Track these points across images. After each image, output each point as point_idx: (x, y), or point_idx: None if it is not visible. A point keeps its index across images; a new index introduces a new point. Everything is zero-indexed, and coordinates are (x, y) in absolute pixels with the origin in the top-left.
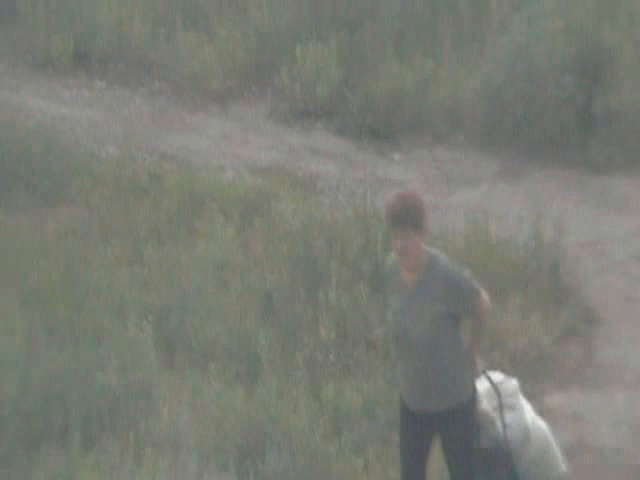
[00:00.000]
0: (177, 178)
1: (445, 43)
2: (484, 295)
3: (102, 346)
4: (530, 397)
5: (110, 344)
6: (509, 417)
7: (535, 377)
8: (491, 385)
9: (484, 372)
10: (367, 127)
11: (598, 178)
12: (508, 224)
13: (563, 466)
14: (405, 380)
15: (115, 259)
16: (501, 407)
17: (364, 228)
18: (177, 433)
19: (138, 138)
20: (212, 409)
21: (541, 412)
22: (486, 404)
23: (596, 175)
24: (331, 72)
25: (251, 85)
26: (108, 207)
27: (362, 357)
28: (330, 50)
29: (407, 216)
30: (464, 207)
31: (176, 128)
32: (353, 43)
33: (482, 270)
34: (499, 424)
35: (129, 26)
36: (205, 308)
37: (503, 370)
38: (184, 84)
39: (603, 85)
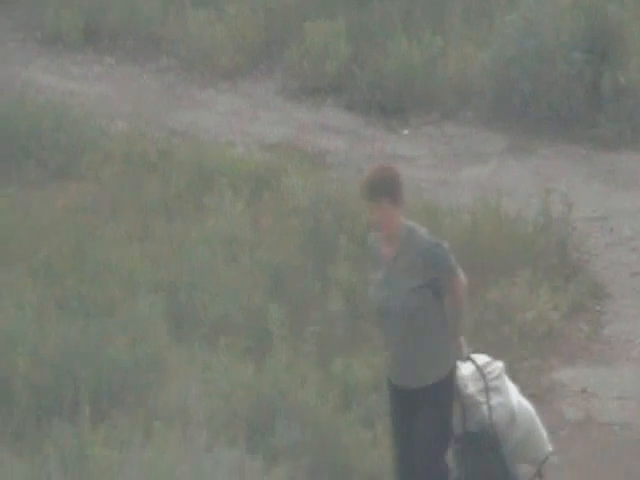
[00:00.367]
0: (186, 154)
1: (454, 20)
2: (461, 274)
3: (112, 321)
4: (538, 372)
5: (120, 319)
6: (495, 400)
7: (543, 352)
8: (476, 368)
9: (469, 356)
10: (376, 103)
11: (606, 154)
12: (517, 200)
13: (549, 446)
14: (387, 354)
15: (125, 234)
16: (487, 390)
17: None
18: (187, 408)
19: (147, 114)
20: (221, 384)
21: (549, 387)
22: (471, 387)
23: (604, 151)
24: (340, 48)
25: (260, 62)
26: (118, 182)
27: (371, 331)
28: (339, 26)
29: (382, 187)
30: (473, 183)
31: (185, 104)
32: (362, 19)
33: (491, 245)
34: (485, 407)
35: (139, 2)
36: (214, 283)
37: (512, 344)
38: (194, 61)
39: (611, 61)
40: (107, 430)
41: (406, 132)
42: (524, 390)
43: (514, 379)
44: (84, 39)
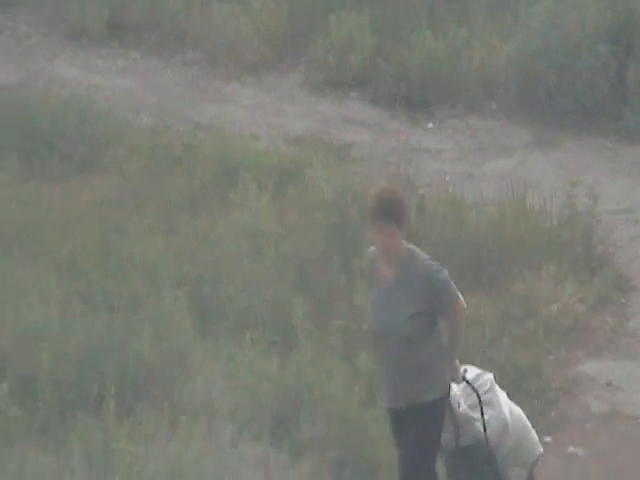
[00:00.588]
0: (211, 147)
1: (478, 12)
2: (461, 298)
3: (137, 315)
4: (563, 365)
5: (145, 313)
6: (488, 414)
7: (569, 345)
8: (469, 386)
9: (464, 378)
10: (401, 96)
11: (632, 147)
12: (542, 193)
13: (540, 448)
14: (384, 376)
15: (149, 228)
16: (480, 405)
17: None
18: (212, 402)
19: (172, 108)
20: (246, 377)
21: (574, 380)
22: (464, 405)
23: (630, 144)
24: (365, 41)
25: (285, 55)
26: (142, 176)
27: None
28: (364, 19)
29: (390, 210)
30: (497, 176)
31: (210, 98)
32: (387, 12)
33: (516, 238)
34: (479, 423)
35: None
36: (239, 277)
37: (537, 338)
38: (218, 54)
39: (636, 54)
40: (132, 424)
41: (431, 125)
42: (550, 383)
43: (539, 372)
44: (109, 33)
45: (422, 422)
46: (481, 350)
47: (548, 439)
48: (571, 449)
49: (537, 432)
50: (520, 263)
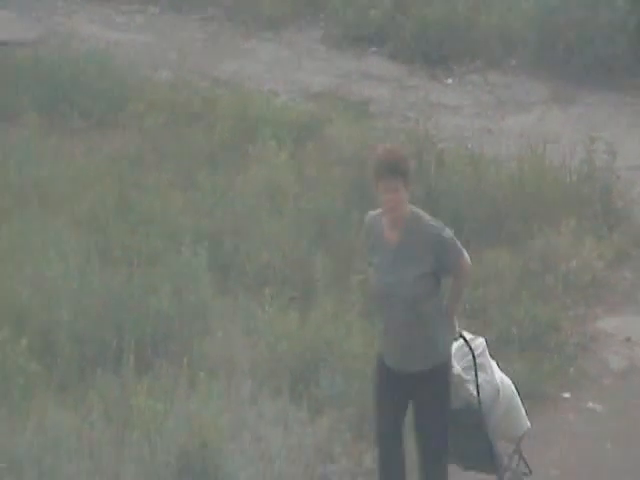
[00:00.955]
0: (230, 103)
1: None
2: (466, 255)
3: (156, 270)
4: (582, 321)
5: (164, 268)
6: (481, 377)
7: (587, 301)
8: (467, 346)
9: (461, 334)
10: (420, 52)
11: None
12: (561, 148)
13: (527, 423)
14: (386, 339)
15: (168, 184)
16: (475, 367)
17: (417, 152)
18: (231, 358)
19: (191, 63)
20: (266, 334)
21: (593, 336)
22: (457, 366)
23: None
24: None
25: (304, 10)
26: (162, 132)
27: None
28: None
29: (399, 168)
30: (516, 132)
31: (229, 54)
32: None
33: (535, 194)
34: (472, 385)
35: None
36: (258, 233)
37: (556, 293)
38: (237, 10)
39: None
40: (151, 380)
41: (450, 81)
42: (569, 339)
43: (558, 328)
44: None
45: (432, 391)
46: (500, 305)
47: (567, 395)
48: (590, 405)
49: (556, 388)
50: (539, 219)
